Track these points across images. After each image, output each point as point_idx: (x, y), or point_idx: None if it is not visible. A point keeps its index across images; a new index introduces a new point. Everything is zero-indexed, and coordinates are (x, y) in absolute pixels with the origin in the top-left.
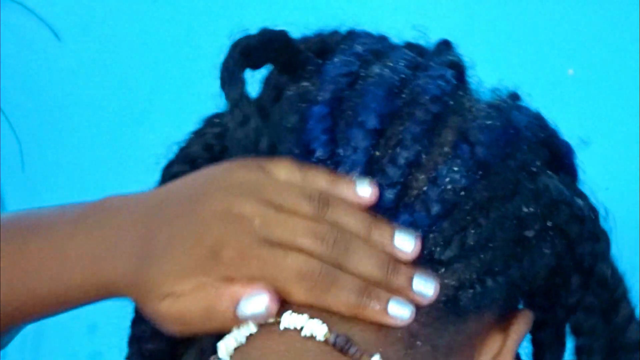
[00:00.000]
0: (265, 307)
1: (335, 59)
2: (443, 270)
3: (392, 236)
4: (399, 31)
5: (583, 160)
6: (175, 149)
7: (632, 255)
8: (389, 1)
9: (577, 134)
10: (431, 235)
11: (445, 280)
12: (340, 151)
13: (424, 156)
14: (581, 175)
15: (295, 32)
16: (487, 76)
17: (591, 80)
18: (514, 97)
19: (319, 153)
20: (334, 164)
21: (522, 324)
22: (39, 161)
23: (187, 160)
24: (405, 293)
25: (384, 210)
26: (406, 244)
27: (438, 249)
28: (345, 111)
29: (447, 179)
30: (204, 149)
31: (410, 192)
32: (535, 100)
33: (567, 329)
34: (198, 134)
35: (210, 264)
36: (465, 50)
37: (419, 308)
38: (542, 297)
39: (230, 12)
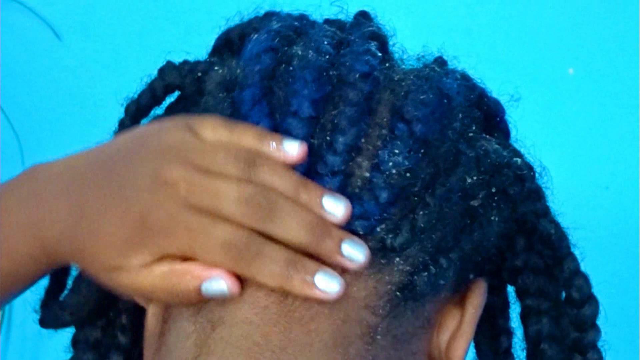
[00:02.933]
0: (227, 288)
1: (252, 39)
2: (397, 257)
3: (321, 198)
4: (399, 31)
5: (583, 161)
6: None
7: (632, 255)
8: (389, 1)
9: (579, 132)
10: (381, 224)
11: (400, 267)
12: None
13: (362, 140)
14: (513, 132)
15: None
16: (487, 76)
17: (591, 80)
18: (441, 62)
19: None
20: None
21: (477, 296)
22: (39, 161)
23: None
24: (334, 257)
25: None
26: (336, 207)
27: (390, 236)
28: (277, 94)
29: (390, 163)
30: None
31: (355, 180)
32: (535, 100)
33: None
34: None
35: (141, 235)
36: (465, 50)
37: (375, 301)
38: (489, 263)
39: (230, 12)
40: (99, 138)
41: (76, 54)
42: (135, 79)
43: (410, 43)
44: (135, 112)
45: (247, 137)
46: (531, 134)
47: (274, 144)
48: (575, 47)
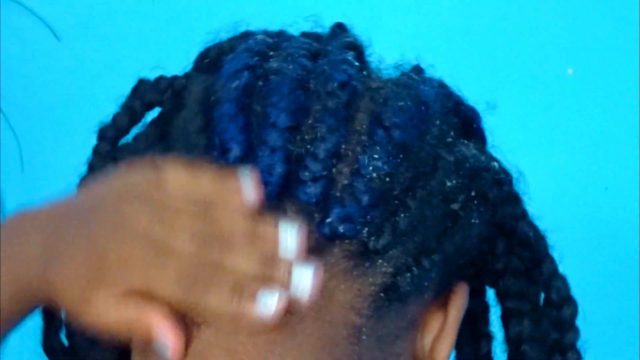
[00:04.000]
0: (170, 345)
1: (229, 57)
2: (380, 259)
3: (275, 231)
4: (399, 32)
5: (583, 161)
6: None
7: (632, 255)
8: (389, 1)
9: (579, 132)
10: (364, 227)
11: (383, 269)
12: (258, 152)
13: (343, 146)
14: (489, 139)
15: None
16: (487, 76)
17: (591, 80)
18: (418, 70)
19: (235, 152)
20: (252, 163)
21: (460, 298)
22: (38, 161)
23: None
24: (286, 287)
25: (313, 205)
26: (287, 237)
27: (372, 238)
28: (254, 110)
29: (370, 168)
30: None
31: (336, 185)
32: (535, 100)
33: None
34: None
35: (102, 270)
36: (465, 51)
37: (360, 302)
38: (470, 266)
39: (230, 12)
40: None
41: (75, 54)
42: (134, 79)
43: (411, 43)
44: (115, 136)
45: (205, 179)
46: (531, 134)
47: (233, 182)
48: (574, 48)
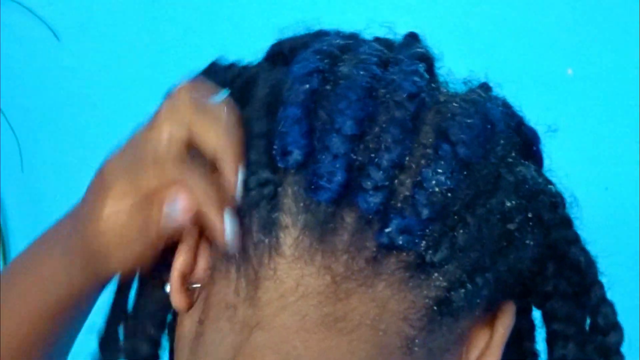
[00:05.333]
0: (179, 206)
1: (300, 58)
2: (435, 273)
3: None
4: (399, 32)
5: (583, 161)
6: None
7: (632, 255)
8: (389, 1)
9: (579, 132)
10: (422, 240)
11: (437, 283)
12: (319, 158)
13: (407, 158)
14: (546, 162)
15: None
16: (487, 76)
17: (591, 80)
18: (486, 88)
19: (297, 156)
20: (313, 170)
21: (507, 317)
22: (38, 161)
23: None
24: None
25: (373, 214)
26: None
27: (430, 252)
28: (320, 115)
29: (433, 182)
30: None
31: (397, 196)
32: (535, 100)
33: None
34: None
35: (133, 174)
36: (465, 50)
37: (413, 314)
38: (520, 286)
39: (230, 12)
40: (98, 138)
41: (75, 54)
42: (134, 79)
43: None
44: None
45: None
46: None
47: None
48: (574, 48)
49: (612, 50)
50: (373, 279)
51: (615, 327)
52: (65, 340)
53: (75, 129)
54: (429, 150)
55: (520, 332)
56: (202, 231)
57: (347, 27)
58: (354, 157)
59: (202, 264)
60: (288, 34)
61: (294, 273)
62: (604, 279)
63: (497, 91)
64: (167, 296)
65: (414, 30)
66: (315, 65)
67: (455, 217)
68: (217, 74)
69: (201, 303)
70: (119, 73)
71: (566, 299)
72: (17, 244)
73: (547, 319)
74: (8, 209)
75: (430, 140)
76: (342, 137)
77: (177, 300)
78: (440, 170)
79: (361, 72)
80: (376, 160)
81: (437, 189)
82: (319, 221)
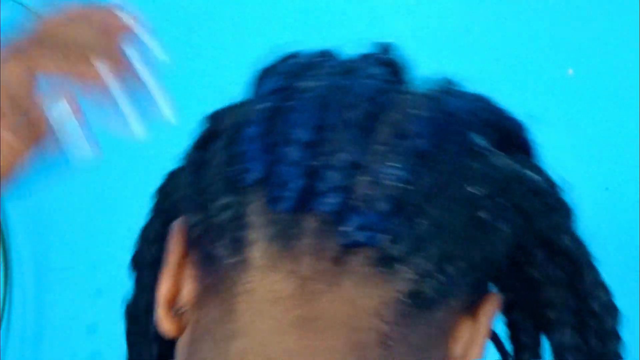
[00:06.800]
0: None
1: (265, 80)
2: (400, 266)
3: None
4: (399, 32)
5: (583, 161)
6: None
7: (632, 256)
8: (389, 1)
9: (579, 132)
10: (383, 234)
11: (405, 275)
12: (278, 169)
13: (362, 157)
14: (539, 151)
15: (294, 32)
16: (487, 76)
17: (591, 80)
18: (448, 83)
19: (256, 173)
20: (272, 182)
21: (489, 307)
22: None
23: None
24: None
25: (332, 216)
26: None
27: (391, 245)
28: (278, 129)
29: (389, 176)
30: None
31: (355, 195)
32: (535, 100)
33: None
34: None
35: None
36: (465, 51)
37: (383, 309)
38: (508, 276)
39: (230, 13)
40: (98, 138)
41: None
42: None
43: (411, 43)
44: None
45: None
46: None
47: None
48: (575, 48)
49: (612, 50)
50: (339, 278)
51: (611, 311)
52: None
53: None
54: (384, 147)
55: (516, 325)
56: (183, 255)
57: (348, 26)
58: (312, 163)
59: (187, 287)
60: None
61: (264, 282)
62: (602, 272)
63: (469, 86)
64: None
65: (414, 30)
66: (278, 84)
67: (415, 208)
68: (204, 124)
69: (189, 327)
70: None
71: (559, 285)
72: (18, 243)
73: (542, 307)
74: (8, 209)
75: (385, 136)
76: (298, 145)
77: (165, 326)
78: (395, 165)
79: (318, 83)
80: (332, 162)
81: (393, 183)
82: (283, 229)
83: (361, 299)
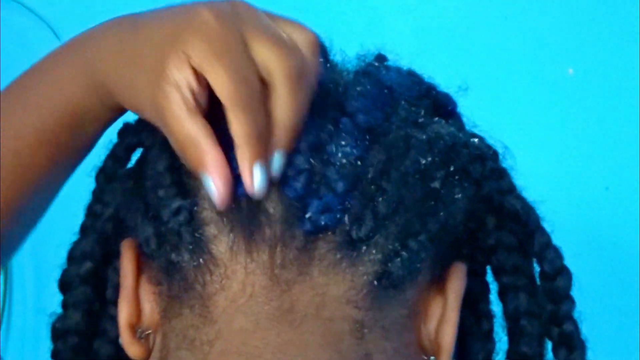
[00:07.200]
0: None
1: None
2: (365, 247)
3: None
4: (399, 32)
5: (583, 161)
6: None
7: (632, 255)
8: (389, 1)
9: (579, 132)
10: (344, 215)
11: (371, 257)
12: (231, 156)
13: (317, 139)
14: (467, 122)
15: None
16: (487, 76)
17: (591, 81)
18: (380, 58)
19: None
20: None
21: (456, 279)
22: None
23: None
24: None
25: (298, 200)
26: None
27: (354, 227)
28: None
29: (339, 154)
30: None
31: (314, 178)
32: (535, 100)
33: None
34: None
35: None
36: (465, 50)
37: (355, 295)
38: (463, 245)
39: None
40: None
41: None
42: None
43: (411, 43)
44: (104, 180)
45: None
46: (531, 134)
47: None
48: (575, 47)
49: (612, 50)
50: (308, 267)
51: (561, 272)
52: (51, 185)
53: None
54: (330, 127)
55: (473, 293)
56: (137, 277)
57: (348, 26)
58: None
59: (148, 309)
60: None
61: (236, 276)
62: (602, 272)
63: (398, 62)
64: (122, 356)
65: (413, 30)
66: None
67: (372, 186)
68: (128, 135)
69: (159, 342)
70: None
71: (511, 250)
72: None
73: (496, 273)
74: None
75: (333, 116)
76: None
77: (132, 351)
78: (343, 143)
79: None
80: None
81: (344, 161)
82: (244, 218)
83: (331, 287)
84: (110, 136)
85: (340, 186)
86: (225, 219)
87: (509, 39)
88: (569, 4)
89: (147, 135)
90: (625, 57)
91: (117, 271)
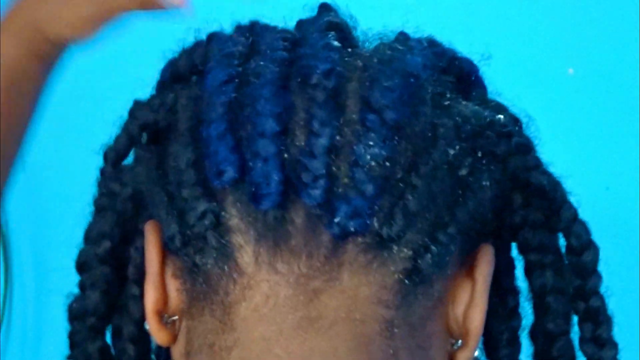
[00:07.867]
0: None
1: (209, 68)
2: (396, 246)
3: None
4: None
5: (583, 161)
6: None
7: (632, 255)
8: (389, 1)
9: (579, 132)
10: (374, 218)
11: (402, 255)
12: (253, 166)
13: (338, 138)
14: (490, 85)
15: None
16: (487, 76)
17: (591, 81)
18: (404, 38)
19: (230, 173)
20: (249, 180)
21: (484, 263)
22: (39, 160)
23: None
24: None
25: (319, 207)
26: None
27: (385, 227)
28: (242, 123)
29: (368, 156)
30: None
31: (338, 181)
32: (536, 100)
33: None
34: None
35: None
36: (465, 50)
37: (386, 294)
38: (493, 227)
39: (231, 13)
40: (99, 137)
41: (74, 54)
42: (135, 79)
43: None
44: (115, 158)
45: None
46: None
47: None
48: (575, 47)
49: (612, 50)
50: (337, 272)
51: (589, 246)
52: (13, 131)
53: (76, 128)
54: (357, 126)
55: (497, 270)
56: (162, 263)
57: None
58: (286, 154)
59: (174, 296)
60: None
61: (260, 287)
62: (602, 272)
63: (420, 33)
64: (144, 336)
65: (414, 30)
66: (226, 72)
67: (401, 184)
68: (143, 113)
69: (184, 334)
70: (120, 72)
71: (537, 227)
72: (18, 243)
73: (522, 250)
74: (9, 209)
75: (356, 114)
76: (267, 138)
77: (159, 337)
78: (372, 143)
79: (270, 65)
80: (308, 149)
81: (373, 163)
82: (270, 229)
83: (362, 289)
84: (113, 118)
85: (369, 189)
86: (252, 229)
87: (509, 39)
88: (569, 4)
89: (163, 115)
90: (625, 57)
91: (139, 250)
